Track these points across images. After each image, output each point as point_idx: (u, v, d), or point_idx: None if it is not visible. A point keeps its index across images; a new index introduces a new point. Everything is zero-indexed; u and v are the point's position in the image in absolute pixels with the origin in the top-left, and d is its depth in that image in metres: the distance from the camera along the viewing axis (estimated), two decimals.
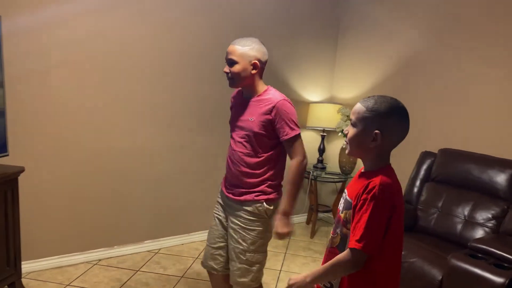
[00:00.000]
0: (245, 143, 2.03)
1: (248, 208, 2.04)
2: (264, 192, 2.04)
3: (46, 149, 2.85)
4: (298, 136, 1.99)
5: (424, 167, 3.16)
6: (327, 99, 4.31)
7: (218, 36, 3.39)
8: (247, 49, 1.97)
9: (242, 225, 2.05)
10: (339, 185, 4.13)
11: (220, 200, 2.23)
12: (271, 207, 2.05)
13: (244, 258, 2.06)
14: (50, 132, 2.85)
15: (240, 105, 2.11)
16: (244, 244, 2.06)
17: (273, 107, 1.97)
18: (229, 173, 2.13)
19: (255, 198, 2.03)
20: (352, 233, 1.31)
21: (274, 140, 2.01)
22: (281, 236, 2.01)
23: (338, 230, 1.43)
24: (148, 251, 3.40)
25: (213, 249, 2.20)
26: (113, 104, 3.07)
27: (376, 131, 1.31)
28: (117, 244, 3.26)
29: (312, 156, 4.22)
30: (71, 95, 2.90)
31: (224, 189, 2.18)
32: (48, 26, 2.73)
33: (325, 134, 4.13)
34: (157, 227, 3.45)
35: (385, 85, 3.79)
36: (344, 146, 1.44)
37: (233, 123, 2.13)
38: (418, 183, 3.15)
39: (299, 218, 4.35)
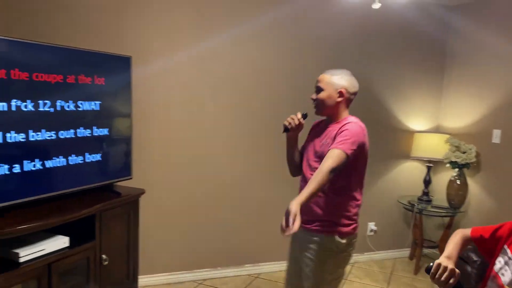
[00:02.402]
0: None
1: (318, 240, 1.95)
2: (336, 224, 1.94)
3: (163, 173, 3.17)
4: (342, 154, 1.82)
5: None
6: (433, 128, 4.11)
7: (321, 69, 3.47)
8: (335, 78, 1.99)
9: (313, 258, 1.96)
10: (446, 219, 3.87)
11: (292, 234, 2.17)
12: (343, 241, 1.94)
13: None
14: (167, 159, 3.17)
15: (318, 131, 2.09)
16: (314, 280, 1.95)
17: (342, 126, 1.92)
18: None
19: (327, 229, 1.94)
20: None
21: (348, 167, 1.89)
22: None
23: None
24: (248, 275, 3.51)
25: (289, 285, 2.15)
26: (223, 135, 3.33)
27: None
28: (220, 265, 3.44)
29: (417, 188, 4.03)
30: (187, 126, 3.22)
31: None
32: (171, 67, 3.10)
33: (431, 165, 3.93)
34: (257, 252, 3.56)
35: (500, 114, 3.51)
36: None
37: (307, 149, 2.10)
38: None
39: (401, 253, 4.15)
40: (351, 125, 1.92)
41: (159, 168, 3.15)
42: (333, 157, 1.82)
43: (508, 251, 1.27)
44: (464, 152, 3.64)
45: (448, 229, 3.78)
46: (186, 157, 3.23)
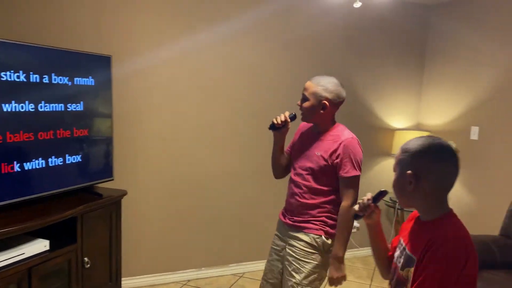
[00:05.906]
0: (307, 176, 2.01)
1: (305, 238, 1.98)
2: (324, 224, 1.98)
3: (145, 174, 3.14)
4: (357, 178, 1.94)
5: None
6: (413, 126, 4.18)
7: (298, 69, 3.50)
8: (320, 88, 1.96)
9: (297, 256, 1.99)
10: None
11: (277, 232, 2.18)
12: (329, 241, 1.98)
13: None
14: (149, 159, 3.14)
15: (307, 137, 2.10)
16: (297, 277, 1.97)
17: (341, 143, 1.95)
18: (289, 202, 2.11)
19: (314, 228, 1.98)
20: None
21: (337, 176, 1.98)
22: (334, 281, 1.97)
23: None
24: (232, 274, 3.51)
25: (268, 284, 2.16)
26: (206, 135, 3.31)
27: (408, 171, 1.25)
28: (204, 266, 3.43)
29: None
30: (169, 126, 3.19)
31: (282, 217, 2.14)
32: (151, 67, 3.06)
33: None
34: (241, 251, 3.56)
35: (478, 111, 3.59)
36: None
37: (297, 154, 2.10)
38: None
39: None
40: (352, 145, 1.95)
41: (141, 168, 3.12)
42: (349, 197, 1.95)
43: (402, 241, 1.38)
44: None
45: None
46: (168, 157, 3.20)
